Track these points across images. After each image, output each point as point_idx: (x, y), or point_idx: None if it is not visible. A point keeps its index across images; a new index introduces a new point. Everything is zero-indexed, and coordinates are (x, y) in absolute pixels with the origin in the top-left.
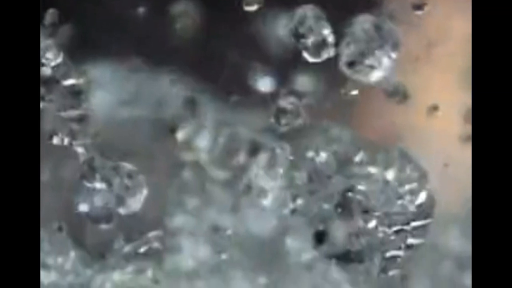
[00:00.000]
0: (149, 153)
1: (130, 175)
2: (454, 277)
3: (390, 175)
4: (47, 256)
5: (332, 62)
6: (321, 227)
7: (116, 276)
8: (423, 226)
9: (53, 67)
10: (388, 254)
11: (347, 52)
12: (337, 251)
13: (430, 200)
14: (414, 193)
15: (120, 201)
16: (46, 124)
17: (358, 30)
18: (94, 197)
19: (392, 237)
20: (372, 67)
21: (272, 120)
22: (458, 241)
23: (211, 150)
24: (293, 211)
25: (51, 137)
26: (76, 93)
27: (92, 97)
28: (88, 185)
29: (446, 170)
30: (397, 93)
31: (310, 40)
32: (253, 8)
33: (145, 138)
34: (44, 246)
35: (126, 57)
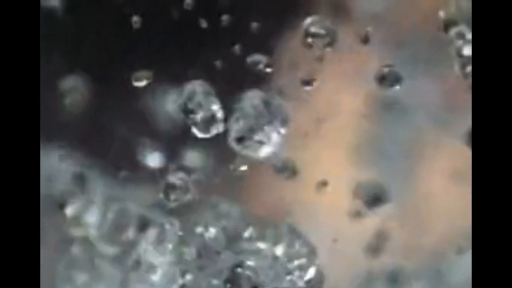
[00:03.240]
0: None
1: None
2: None
3: (279, 250)
4: None
5: (221, 137)
6: None
7: None
8: None
9: None
10: None
11: (236, 127)
12: None
13: (319, 275)
14: (303, 268)
15: None
16: None
17: (247, 105)
18: None
19: None
20: (261, 143)
21: (161, 195)
22: None
23: (100, 226)
24: (182, 287)
25: None
26: None
27: None
28: None
29: (335, 245)
30: (286, 169)
31: (199, 116)
32: (142, 83)
33: None
34: None
35: None
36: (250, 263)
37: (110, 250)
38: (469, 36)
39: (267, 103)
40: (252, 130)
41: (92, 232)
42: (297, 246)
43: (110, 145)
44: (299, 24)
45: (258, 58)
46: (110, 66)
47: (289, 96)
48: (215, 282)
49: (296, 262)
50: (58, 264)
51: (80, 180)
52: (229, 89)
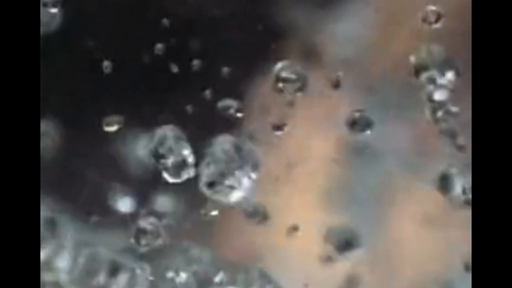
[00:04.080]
0: None
1: None
2: None
3: None
4: None
5: (192, 182)
6: None
7: None
8: None
9: None
10: None
11: (207, 172)
12: None
13: None
14: None
15: None
16: None
17: (218, 150)
18: None
19: None
20: (232, 188)
21: (132, 240)
22: None
23: (71, 271)
24: None
25: None
26: None
27: None
28: None
29: None
30: (257, 214)
31: (170, 161)
32: (113, 128)
33: None
34: None
35: None
36: None
37: None
38: (439, 81)
39: (238, 148)
40: (223, 175)
41: (63, 277)
42: None
43: (81, 190)
44: (270, 69)
45: (229, 103)
46: (81, 111)
47: (260, 141)
48: None
49: None
50: None
51: (51, 225)
52: (200, 134)
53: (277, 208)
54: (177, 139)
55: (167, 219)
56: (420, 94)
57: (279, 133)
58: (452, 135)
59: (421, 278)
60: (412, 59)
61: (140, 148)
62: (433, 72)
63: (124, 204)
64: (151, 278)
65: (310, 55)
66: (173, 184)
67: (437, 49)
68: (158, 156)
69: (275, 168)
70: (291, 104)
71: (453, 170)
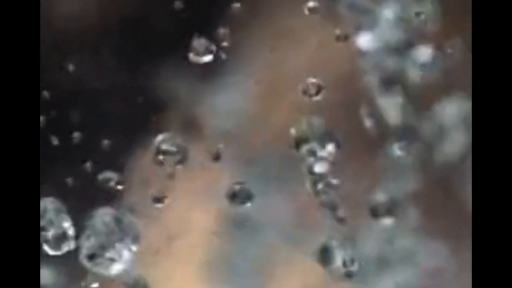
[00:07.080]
0: None
1: None
2: None
3: None
4: None
5: (73, 254)
6: None
7: None
8: None
9: None
10: None
11: (88, 244)
12: None
13: None
14: None
15: None
16: None
17: (99, 223)
18: None
19: None
20: (112, 260)
21: None
22: None
23: None
24: None
25: None
26: None
27: None
28: None
29: None
30: (138, 286)
31: (50, 233)
32: None
33: None
34: None
35: None
36: None
37: None
38: (320, 153)
39: (118, 221)
40: (103, 247)
41: None
42: None
43: None
44: (150, 142)
45: (109, 175)
46: None
47: (140, 214)
48: None
49: None
50: None
51: None
52: (80, 206)
53: (157, 280)
54: (58, 211)
55: None
56: (300, 166)
57: (159, 205)
58: (332, 207)
59: None
60: (293, 131)
61: None
62: (314, 145)
63: None
64: None
65: (191, 127)
66: (54, 256)
67: (317, 122)
68: None
69: (156, 240)
70: (171, 176)
71: (334, 243)
